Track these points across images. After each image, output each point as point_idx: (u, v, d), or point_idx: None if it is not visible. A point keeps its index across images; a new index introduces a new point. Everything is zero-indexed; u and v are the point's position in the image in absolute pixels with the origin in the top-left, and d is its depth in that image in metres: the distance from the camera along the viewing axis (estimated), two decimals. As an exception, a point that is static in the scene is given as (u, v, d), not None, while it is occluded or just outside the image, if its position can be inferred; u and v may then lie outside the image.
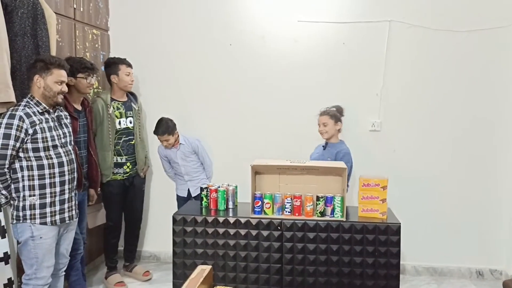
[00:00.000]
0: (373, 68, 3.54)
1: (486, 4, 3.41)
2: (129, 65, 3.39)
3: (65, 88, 2.50)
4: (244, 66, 3.69)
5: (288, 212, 2.75)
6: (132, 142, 3.42)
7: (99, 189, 3.22)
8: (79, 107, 2.94)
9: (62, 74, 2.46)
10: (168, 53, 3.75)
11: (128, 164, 3.40)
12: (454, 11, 3.44)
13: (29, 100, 2.40)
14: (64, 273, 2.67)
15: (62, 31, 3.08)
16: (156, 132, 3.45)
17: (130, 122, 3.41)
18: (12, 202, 2.40)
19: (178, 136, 3.54)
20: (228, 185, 2.99)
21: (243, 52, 3.67)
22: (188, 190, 3.60)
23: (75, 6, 3.24)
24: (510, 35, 3.40)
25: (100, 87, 3.58)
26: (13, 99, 2.43)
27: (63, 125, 2.53)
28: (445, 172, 3.58)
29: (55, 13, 2.83)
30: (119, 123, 3.34)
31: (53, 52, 2.76)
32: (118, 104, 3.36)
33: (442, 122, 3.54)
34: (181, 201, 3.64)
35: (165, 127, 3.42)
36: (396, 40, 3.50)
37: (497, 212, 3.55)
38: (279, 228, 2.71)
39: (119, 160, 3.35)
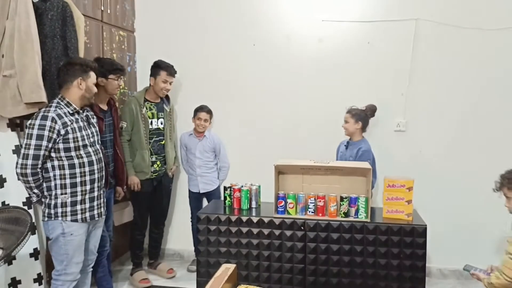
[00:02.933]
0: (399, 68, 3.49)
1: (517, 1, 3.32)
2: (171, 74, 3.42)
3: (96, 89, 2.58)
4: (269, 66, 3.69)
5: (312, 212, 2.74)
6: (162, 143, 3.49)
7: (125, 186, 3.28)
8: (105, 107, 3.00)
9: (95, 76, 2.55)
10: (193, 53, 3.79)
11: (158, 163, 3.47)
12: (482, 9, 3.35)
13: (59, 101, 2.44)
14: (91, 269, 2.73)
15: (90, 33, 3.15)
16: (200, 108, 3.58)
17: (161, 123, 3.48)
18: (43, 200, 2.46)
19: (210, 125, 3.67)
20: (252, 184, 3.00)
21: (268, 52, 3.68)
22: (198, 186, 3.65)
23: (102, 8, 3.31)
24: (542, 32, 3.30)
25: (126, 88, 3.65)
26: (45, 99, 2.50)
27: (91, 125, 2.59)
28: (473, 173, 3.49)
29: (83, 15, 2.90)
30: (151, 123, 3.41)
31: (81, 54, 2.83)
32: (151, 105, 3.43)
33: (469, 122, 3.46)
34: (192, 196, 3.70)
35: (209, 108, 3.60)
36: (422, 39, 3.44)
37: (527, 215, 3.44)
38: (302, 228, 2.70)
39: (150, 159, 3.41)
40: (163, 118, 3.49)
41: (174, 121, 3.74)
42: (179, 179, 3.93)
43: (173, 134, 3.65)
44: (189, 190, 3.74)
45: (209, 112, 3.61)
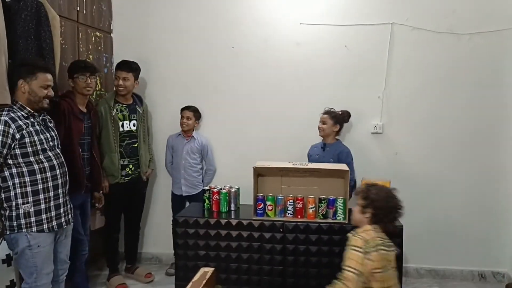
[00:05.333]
0: (375, 71, 3.54)
1: (489, 6, 3.40)
2: (119, 68, 3.35)
3: (51, 93, 2.39)
4: (247, 69, 3.68)
5: (290, 214, 2.75)
6: (135, 145, 3.42)
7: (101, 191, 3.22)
8: (84, 110, 2.94)
9: (47, 78, 2.36)
10: (171, 55, 3.76)
11: (131, 166, 3.39)
12: (456, 14, 3.43)
13: (12, 104, 2.31)
14: (64, 278, 2.62)
15: (65, 34, 3.08)
16: (185, 107, 3.59)
17: (134, 125, 3.41)
18: (3, 212, 2.30)
19: (197, 125, 3.67)
20: (230, 187, 3.00)
21: (247, 55, 3.67)
22: (182, 188, 3.62)
23: (78, 9, 3.25)
24: (513, 37, 3.40)
25: (102, 89, 3.59)
26: (9, 101, 2.35)
27: (50, 129, 2.46)
28: (448, 174, 3.57)
29: (59, 15, 2.84)
30: (122, 125, 3.34)
31: (57, 55, 2.76)
32: (122, 106, 3.37)
33: (444, 125, 3.53)
34: (175, 199, 3.66)
35: (195, 108, 3.62)
36: (398, 42, 3.50)
37: (500, 215, 3.53)
38: (281, 230, 2.71)
39: (122, 162, 3.35)
40: (136, 120, 3.42)
41: (149, 123, 3.70)
42: (156, 182, 3.89)
43: (147, 137, 3.59)
44: (172, 193, 3.69)
45: (194, 111, 3.60)
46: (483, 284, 3.56)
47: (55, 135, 2.49)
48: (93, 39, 3.48)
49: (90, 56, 3.41)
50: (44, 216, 2.33)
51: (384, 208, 2.14)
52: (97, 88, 3.44)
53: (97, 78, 3.04)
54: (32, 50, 2.59)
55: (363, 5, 3.52)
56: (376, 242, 2.07)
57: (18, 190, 2.27)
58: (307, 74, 3.62)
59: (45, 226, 2.34)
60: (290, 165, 2.79)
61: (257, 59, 3.66)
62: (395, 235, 2.63)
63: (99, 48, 3.57)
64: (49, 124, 2.48)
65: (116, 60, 3.74)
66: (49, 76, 2.39)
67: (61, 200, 2.42)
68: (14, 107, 2.31)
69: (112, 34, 3.78)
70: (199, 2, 3.70)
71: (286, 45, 3.62)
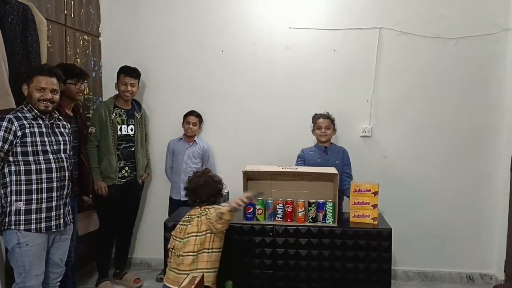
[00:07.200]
0: (364, 75, 3.57)
1: (476, 11, 3.45)
2: (128, 75, 3.38)
3: (48, 95, 2.38)
4: (237, 72, 3.69)
5: (280, 218, 2.75)
6: (132, 149, 3.46)
7: (90, 195, 3.20)
8: (70, 113, 2.92)
9: (40, 81, 2.37)
10: (161, 59, 3.75)
11: (127, 168, 3.42)
12: (443, 19, 3.48)
13: (23, 106, 2.40)
14: (58, 283, 2.58)
15: (53, 37, 3.06)
16: (189, 113, 3.61)
17: (131, 130, 3.44)
18: (1, 208, 2.34)
19: (200, 130, 3.70)
20: (220, 191, 2.98)
21: (235, 59, 3.68)
22: (180, 193, 3.59)
23: (66, 12, 3.22)
24: (499, 42, 3.45)
25: (90, 93, 3.57)
26: (14, 105, 2.42)
27: (58, 133, 2.48)
28: (436, 177, 3.60)
29: (46, 19, 2.82)
30: (120, 129, 3.37)
31: (44, 58, 2.74)
32: (121, 111, 3.40)
33: (432, 128, 3.57)
34: (172, 204, 3.63)
35: (198, 113, 3.65)
36: (386, 47, 3.54)
37: (487, 217, 3.57)
38: (271, 234, 2.71)
39: (118, 165, 3.37)
40: (133, 124, 3.45)
41: (147, 127, 3.70)
42: (150, 186, 3.87)
43: (144, 141, 3.60)
44: (170, 197, 3.68)
45: (198, 116, 3.63)
46: (471, 286, 3.60)
47: (63, 140, 2.51)
48: (81, 42, 3.45)
49: (78, 60, 3.39)
50: (33, 216, 2.34)
51: (202, 193, 2.52)
52: (85, 92, 3.42)
53: (87, 83, 3.06)
54: (19, 54, 2.59)
55: (351, 9, 3.55)
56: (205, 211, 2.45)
57: (13, 188, 2.32)
58: (296, 78, 3.64)
59: (33, 226, 2.35)
60: (279, 169, 2.79)
61: (247, 62, 3.67)
62: (384, 238, 2.65)
63: (87, 51, 3.54)
64: (61, 129, 2.52)
65: (105, 64, 3.73)
66: (46, 79, 2.38)
67: (54, 204, 2.41)
68: (25, 108, 2.38)
69: (100, 38, 3.76)
70: (188, 5, 3.70)
71: (275, 49, 3.64)
